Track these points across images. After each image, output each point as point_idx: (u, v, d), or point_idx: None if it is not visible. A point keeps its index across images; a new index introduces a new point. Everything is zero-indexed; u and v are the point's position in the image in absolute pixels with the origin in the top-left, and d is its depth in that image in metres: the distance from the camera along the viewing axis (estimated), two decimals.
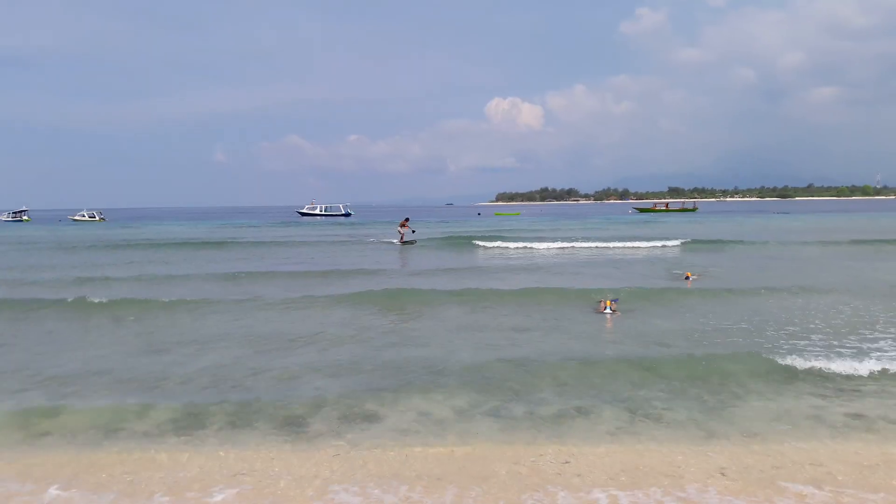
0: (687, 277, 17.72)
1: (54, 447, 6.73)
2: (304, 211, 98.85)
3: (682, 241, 30.28)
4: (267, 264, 24.58)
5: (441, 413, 7.61)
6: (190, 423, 7.36)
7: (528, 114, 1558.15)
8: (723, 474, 5.77)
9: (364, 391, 8.39)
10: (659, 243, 29.77)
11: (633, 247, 29.03)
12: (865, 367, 8.78)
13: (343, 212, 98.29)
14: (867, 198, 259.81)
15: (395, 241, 33.92)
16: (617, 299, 13.59)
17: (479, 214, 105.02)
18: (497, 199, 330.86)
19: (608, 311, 12.76)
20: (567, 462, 6.11)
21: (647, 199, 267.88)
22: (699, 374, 8.90)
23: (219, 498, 5.49)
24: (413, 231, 33.63)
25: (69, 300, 14.94)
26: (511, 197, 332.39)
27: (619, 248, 29.02)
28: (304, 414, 7.60)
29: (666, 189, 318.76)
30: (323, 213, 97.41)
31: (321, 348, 10.83)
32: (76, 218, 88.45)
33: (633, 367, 9.25)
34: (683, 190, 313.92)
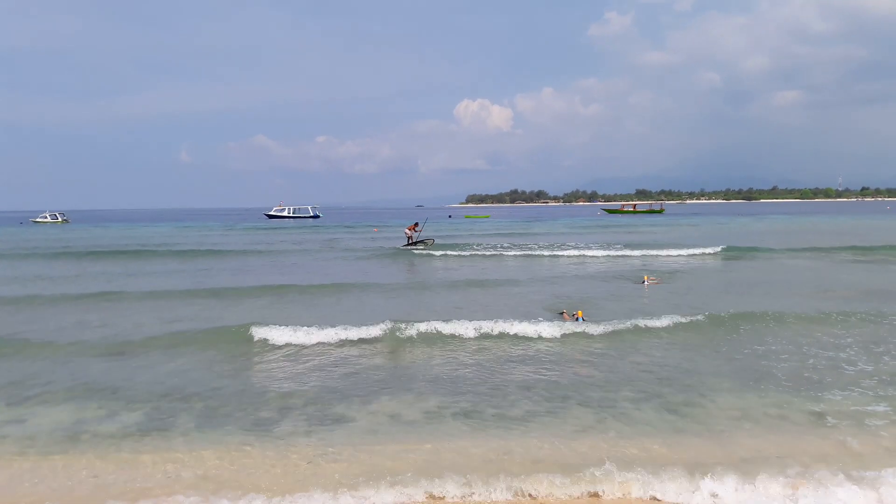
0: (643, 281, 18.02)
1: None
2: (273, 213, 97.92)
3: (719, 247, 28.21)
4: (235, 276, 22.82)
5: (411, 415, 7.60)
6: (158, 425, 7.26)
7: (498, 115, 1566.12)
8: (690, 472, 5.84)
9: (333, 396, 8.35)
10: (697, 251, 27.78)
11: (666, 255, 27.03)
12: None
13: (312, 213, 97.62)
14: (830, 200, 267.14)
15: (400, 245, 32.87)
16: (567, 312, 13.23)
17: (450, 217, 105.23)
18: (467, 201, 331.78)
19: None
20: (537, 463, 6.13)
21: (615, 200, 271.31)
22: (665, 376, 9.04)
23: (192, 499, 5.41)
24: (418, 236, 32.46)
25: None
26: (481, 199, 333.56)
27: (639, 256, 27.09)
28: (274, 416, 7.53)
29: (634, 191, 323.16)
30: (291, 215, 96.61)
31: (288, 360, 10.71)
32: (38, 220, 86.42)
33: (601, 370, 9.40)
34: (651, 192, 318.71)
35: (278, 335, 11.17)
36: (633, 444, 6.55)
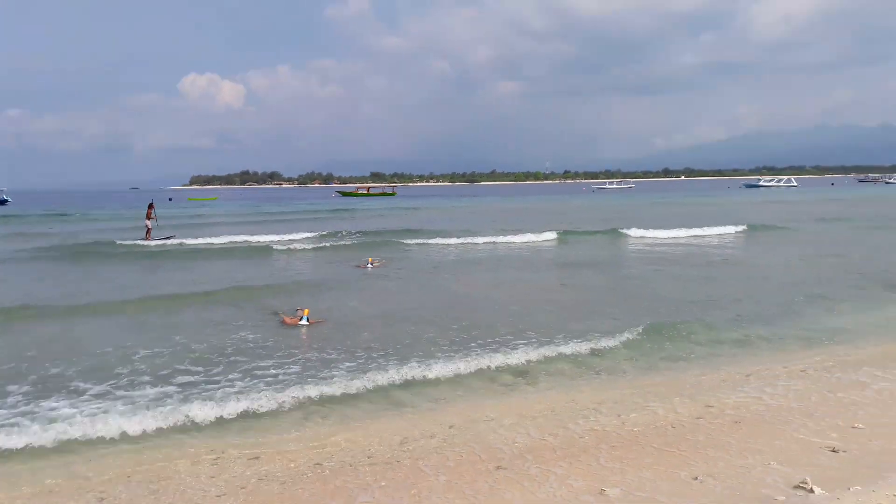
0: (369, 263, 18.31)
1: None
2: None
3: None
4: None
5: None
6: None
7: (229, 92, 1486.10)
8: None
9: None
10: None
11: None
12: None
13: None
14: (539, 182, 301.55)
15: (141, 241, 25.83)
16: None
17: (170, 199, 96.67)
18: (192, 182, 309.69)
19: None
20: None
21: (350, 183, 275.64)
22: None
23: None
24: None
25: None
26: (208, 180, 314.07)
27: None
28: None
29: (369, 174, 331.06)
30: None
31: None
32: None
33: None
34: (384, 174, 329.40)
35: None
36: None
